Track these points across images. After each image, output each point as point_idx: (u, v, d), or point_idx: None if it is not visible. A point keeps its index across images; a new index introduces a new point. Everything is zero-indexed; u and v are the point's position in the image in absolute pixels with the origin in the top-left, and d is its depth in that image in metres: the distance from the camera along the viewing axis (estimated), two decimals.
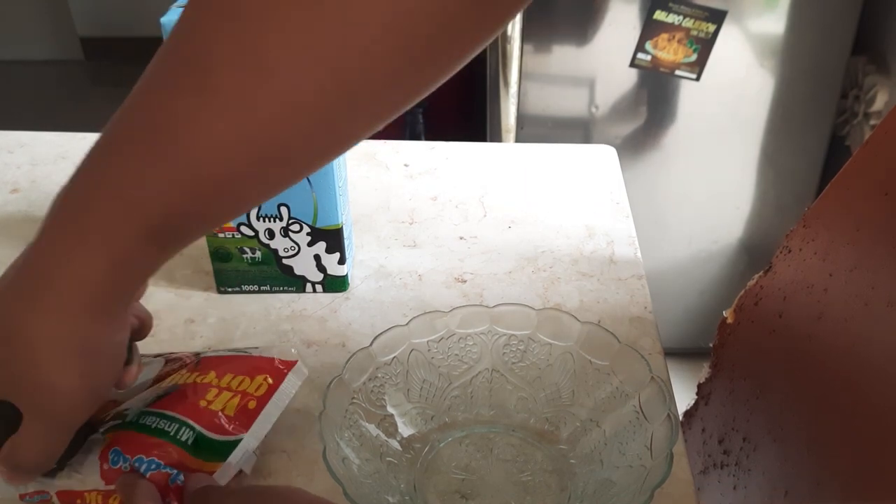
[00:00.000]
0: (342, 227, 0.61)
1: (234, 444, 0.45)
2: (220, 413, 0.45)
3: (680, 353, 1.40)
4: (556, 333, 0.51)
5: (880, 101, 1.47)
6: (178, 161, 0.36)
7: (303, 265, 0.62)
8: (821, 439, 0.46)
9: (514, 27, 1.43)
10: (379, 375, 0.49)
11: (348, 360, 0.48)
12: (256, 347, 0.50)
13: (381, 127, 0.39)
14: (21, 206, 0.75)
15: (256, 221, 0.59)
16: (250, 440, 0.45)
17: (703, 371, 0.63)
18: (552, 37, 1.51)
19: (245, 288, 0.63)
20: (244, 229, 0.60)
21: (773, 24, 1.49)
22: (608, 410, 0.48)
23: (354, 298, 0.63)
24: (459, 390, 0.52)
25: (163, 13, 0.52)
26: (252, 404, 0.46)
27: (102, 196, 0.37)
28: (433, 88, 0.39)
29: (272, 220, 0.59)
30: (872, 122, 1.49)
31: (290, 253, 0.61)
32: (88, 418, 0.42)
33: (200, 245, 0.66)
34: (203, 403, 0.46)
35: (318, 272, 0.62)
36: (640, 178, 1.62)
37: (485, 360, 0.52)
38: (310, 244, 0.61)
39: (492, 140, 1.65)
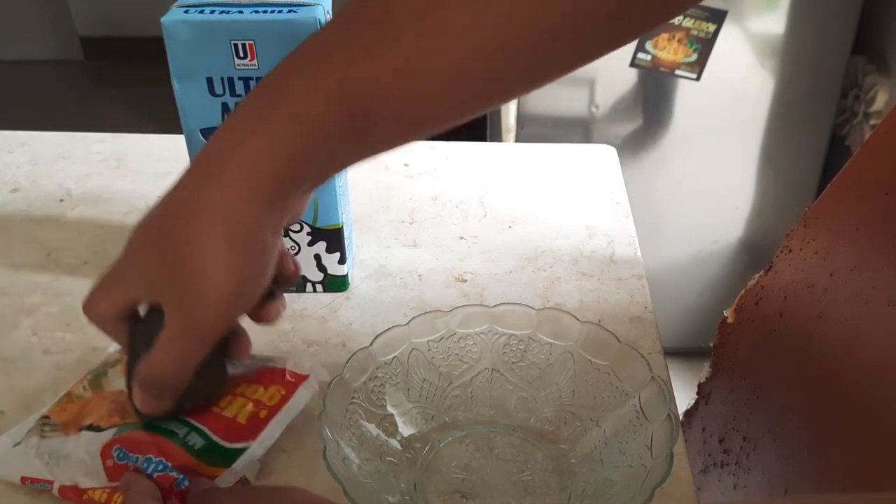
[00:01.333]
0: (342, 227, 0.61)
1: (241, 451, 0.45)
2: (232, 419, 0.46)
3: (680, 352, 1.40)
4: (556, 333, 0.51)
5: (880, 101, 1.47)
6: (399, 49, 0.37)
7: (303, 265, 0.62)
8: (821, 438, 0.46)
9: None
10: (379, 375, 0.49)
11: (348, 359, 0.48)
12: (273, 358, 0.50)
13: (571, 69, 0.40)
14: (21, 205, 0.75)
15: None
16: (257, 449, 0.45)
17: (704, 370, 0.63)
18: None
19: None
20: None
21: (773, 24, 1.49)
22: (608, 410, 0.48)
23: (355, 298, 0.63)
24: (460, 390, 0.52)
25: (163, 13, 0.53)
26: (263, 413, 0.46)
27: (304, 79, 0.38)
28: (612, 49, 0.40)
29: None
30: (872, 121, 1.49)
31: (291, 253, 0.61)
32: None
33: None
34: (217, 409, 0.46)
35: (318, 272, 0.62)
36: (640, 178, 1.62)
37: (485, 360, 0.52)
38: (310, 244, 0.61)
39: (492, 140, 1.65)
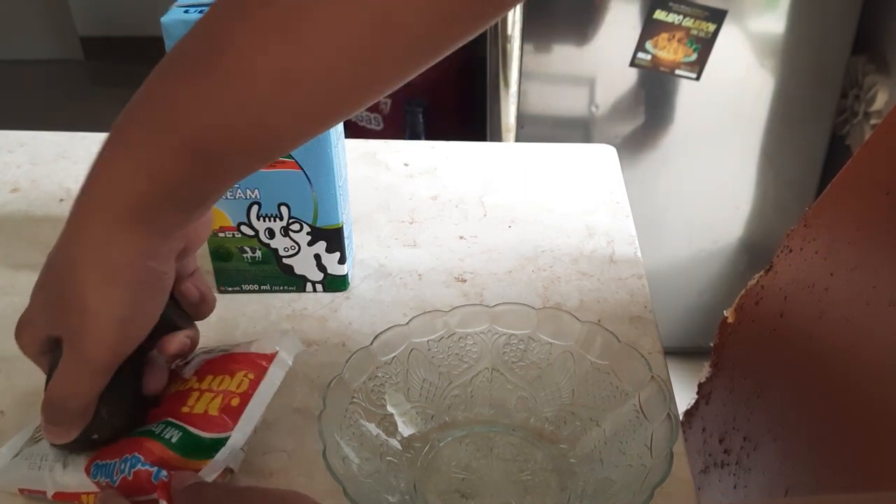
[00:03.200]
0: (342, 227, 0.60)
1: (222, 441, 0.44)
2: (204, 414, 0.45)
3: (680, 352, 1.40)
4: (556, 333, 0.51)
5: (880, 101, 1.47)
6: (221, 83, 0.38)
7: (303, 265, 0.62)
8: (821, 438, 0.46)
9: (515, 27, 1.43)
10: (379, 375, 0.49)
11: (348, 359, 0.48)
12: (238, 344, 0.49)
13: (400, 83, 0.40)
14: (21, 205, 0.75)
15: (257, 221, 0.59)
16: (237, 437, 0.45)
17: (704, 370, 0.63)
18: (552, 36, 1.51)
19: (245, 287, 0.63)
20: (244, 229, 0.60)
21: (773, 23, 1.49)
22: (608, 409, 0.48)
23: (354, 298, 0.63)
24: (459, 390, 0.52)
25: (163, 13, 0.52)
26: (235, 401, 0.45)
27: (145, 110, 0.39)
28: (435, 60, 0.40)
29: (272, 219, 0.59)
30: (872, 121, 1.49)
31: (291, 252, 0.61)
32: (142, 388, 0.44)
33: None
34: (186, 409, 0.45)
35: (318, 272, 0.62)
36: (640, 178, 1.62)
37: (485, 360, 0.52)
38: (310, 244, 0.61)
39: (492, 139, 1.65)
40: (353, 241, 0.66)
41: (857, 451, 0.42)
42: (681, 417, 0.54)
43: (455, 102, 2.26)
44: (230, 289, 0.63)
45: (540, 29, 1.48)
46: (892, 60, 1.48)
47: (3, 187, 0.77)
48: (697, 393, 0.64)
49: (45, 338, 0.43)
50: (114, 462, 0.43)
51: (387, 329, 0.50)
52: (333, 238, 0.61)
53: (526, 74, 1.51)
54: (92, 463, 0.44)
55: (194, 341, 0.47)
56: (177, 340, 0.45)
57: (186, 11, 0.52)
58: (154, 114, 0.39)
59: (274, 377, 0.47)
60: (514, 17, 1.43)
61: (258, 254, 0.61)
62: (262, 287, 0.63)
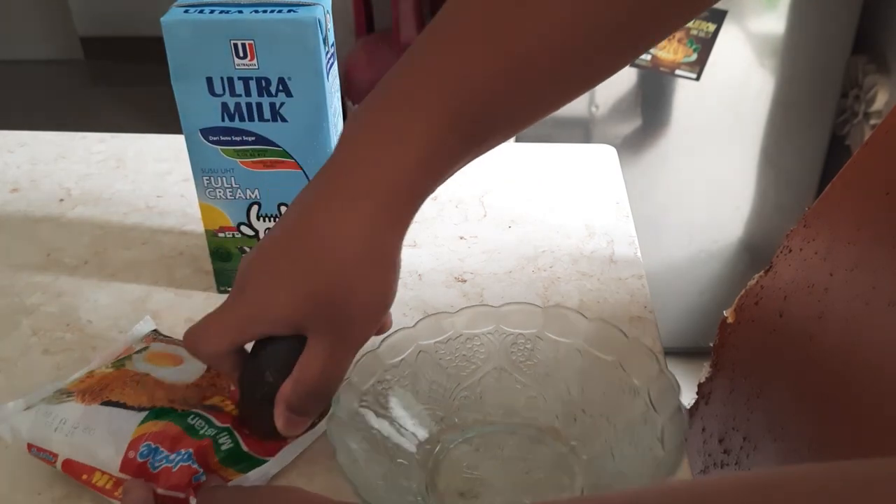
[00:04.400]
0: None
1: (260, 463, 0.46)
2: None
3: (680, 352, 1.40)
4: (562, 331, 0.51)
5: (880, 101, 1.47)
6: (499, 52, 0.39)
7: None
8: (821, 439, 0.46)
9: None
10: (387, 378, 0.49)
11: (356, 362, 0.48)
12: None
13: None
14: (21, 205, 0.75)
15: (257, 221, 0.59)
16: (272, 466, 0.46)
17: (704, 370, 0.63)
18: None
19: None
20: (244, 229, 0.60)
21: (773, 23, 1.49)
22: (618, 405, 0.48)
23: None
24: (468, 391, 0.51)
25: (163, 13, 0.52)
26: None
27: (425, 90, 0.40)
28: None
29: (272, 219, 0.59)
30: (872, 121, 1.49)
31: None
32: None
33: (201, 245, 0.66)
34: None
35: None
36: (641, 178, 1.62)
37: (492, 360, 0.52)
38: None
39: None
40: None
41: (857, 451, 0.42)
42: None
43: None
44: (230, 289, 0.63)
45: None
46: (892, 60, 1.48)
47: (3, 187, 0.77)
48: (697, 393, 0.64)
49: (249, 339, 0.43)
50: (163, 451, 0.43)
51: (394, 332, 0.50)
52: None
53: None
54: (144, 442, 0.43)
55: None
56: (389, 319, 0.47)
57: (186, 11, 0.52)
58: (434, 92, 0.39)
59: (319, 428, 0.48)
60: None
61: None
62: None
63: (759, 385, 0.54)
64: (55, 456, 0.45)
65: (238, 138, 0.56)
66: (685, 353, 1.40)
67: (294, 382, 0.42)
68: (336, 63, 0.57)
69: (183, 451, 0.43)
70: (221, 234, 0.60)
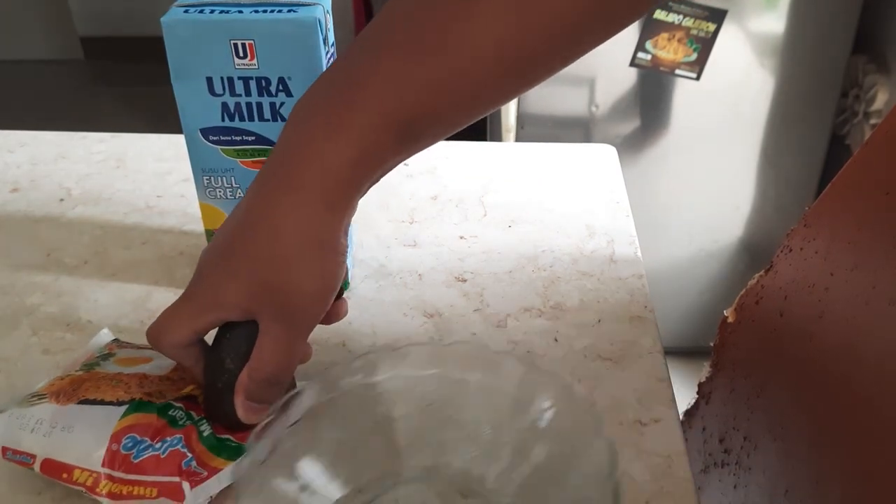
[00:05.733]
0: None
1: (241, 450, 0.45)
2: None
3: (680, 352, 1.40)
4: (467, 368, 0.46)
5: (880, 101, 1.47)
6: (440, 63, 0.41)
7: None
8: (821, 438, 0.46)
9: None
10: (288, 441, 0.44)
11: (257, 431, 0.42)
12: None
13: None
14: (21, 205, 0.75)
15: None
16: (260, 448, 0.45)
17: (704, 370, 0.63)
18: None
19: None
20: None
21: (773, 23, 1.49)
22: (539, 441, 0.44)
23: (354, 298, 0.63)
24: (376, 442, 0.47)
25: (163, 13, 0.52)
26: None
27: (364, 92, 0.42)
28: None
29: None
30: (872, 121, 1.49)
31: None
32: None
33: (201, 245, 0.66)
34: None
35: None
36: (641, 178, 1.62)
37: (400, 406, 0.47)
38: None
39: (492, 139, 1.65)
40: (353, 240, 0.66)
41: (858, 451, 0.42)
42: (681, 417, 0.53)
43: None
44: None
45: None
46: (892, 60, 1.48)
47: (3, 187, 0.77)
48: (697, 393, 0.64)
49: (206, 326, 0.45)
50: (146, 440, 0.43)
51: (291, 394, 0.44)
52: None
53: None
54: (127, 434, 0.43)
55: (346, 307, 0.51)
56: (343, 306, 0.49)
57: (186, 11, 0.52)
58: (373, 95, 0.41)
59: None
60: None
61: None
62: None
63: (759, 385, 0.54)
64: (33, 457, 0.44)
65: (238, 138, 0.56)
66: (685, 353, 1.40)
67: (249, 370, 0.44)
68: None
69: (169, 437, 0.43)
70: None
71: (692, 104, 1.56)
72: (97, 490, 0.43)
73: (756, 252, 1.71)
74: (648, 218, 1.57)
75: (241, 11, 0.52)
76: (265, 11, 0.52)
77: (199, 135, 0.56)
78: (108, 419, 0.44)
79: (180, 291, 0.64)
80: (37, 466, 0.44)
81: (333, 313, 0.48)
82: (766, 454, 0.52)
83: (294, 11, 0.52)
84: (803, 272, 0.49)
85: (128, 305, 0.62)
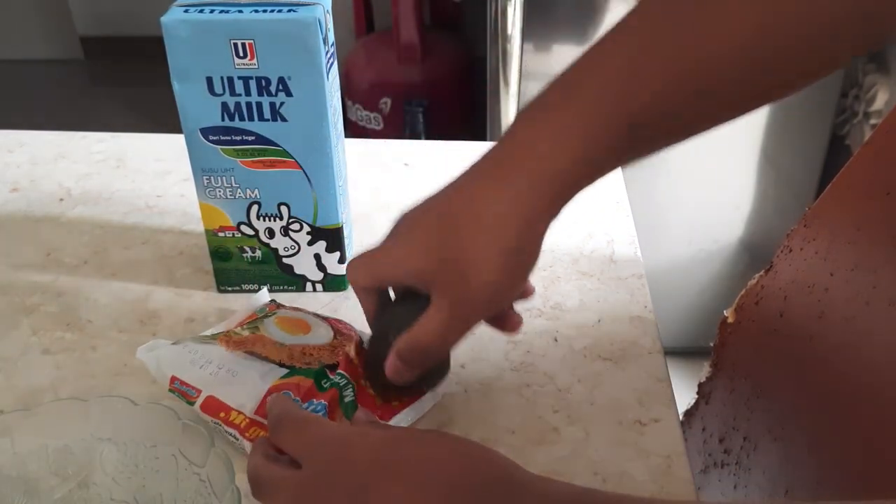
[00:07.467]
0: (342, 227, 0.60)
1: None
2: (372, 399, 0.49)
3: (680, 352, 1.40)
4: (117, 428, 0.42)
5: (880, 101, 1.47)
6: (679, 57, 0.39)
7: (303, 264, 0.62)
8: (821, 438, 0.46)
9: (515, 27, 1.43)
10: None
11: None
12: None
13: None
14: (21, 205, 0.75)
15: (257, 220, 0.59)
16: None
17: (704, 370, 0.63)
18: (552, 36, 1.51)
19: (245, 287, 0.63)
20: (244, 228, 0.60)
21: None
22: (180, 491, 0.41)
23: (354, 298, 0.63)
24: None
25: (163, 13, 0.52)
26: (395, 404, 0.50)
27: (594, 86, 0.41)
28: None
29: (272, 219, 0.59)
30: (872, 121, 1.49)
31: (290, 252, 0.61)
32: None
33: (200, 244, 0.66)
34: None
35: (318, 271, 0.62)
36: (641, 178, 1.61)
37: (61, 484, 0.42)
38: (310, 243, 0.61)
39: (492, 139, 1.64)
40: (353, 240, 0.66)
41: (858, 451, 0.42)
42: (681, 417, 0.53)
43: (455, 102, 2.26)
44: (230, 289, 0.63)
45: (540, 29, 1.48)
46: (892, 60, 1.48)
47: (3, 187, 0.77)
48: (697, 393, 0.64)
49: (390, 282, 0.47)
50: (297, 400, 0.46)
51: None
52: (333, 238, 0.61)
53: (526, 74, 1.51)
54: (283, 389, 0.46)
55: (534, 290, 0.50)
56: (518, 318, 0.48)
57: (186, 11, 0.52)
58: (602, 88, 0.40)
59: (427, 402, 0.51)
60: (514, 17, 1.43)
61: (258, 253, 0.61)
62: (261, 287, 0.63)
63: (759, 385, 0.54)
64: (198, 392, 0.47)
65: (238, 138, 0.56)
66: (685, 353, 1.40)
67: (409, 332, 0.45)
68: (336, 63, 0.57)
69: (316, 401, 0.46)
70: (221, 234, 0.60)
71: None
72: (247, 434, 0.46)
73: (756, 252, 1.71)
74: (648, 218, 1.57)
75: (241, 11, 0.52)
76: (265, 11, 0.52)
77: (199, 134, 0.56)
78: (269, 374, 0.48)
79: (180, 291, 0.65)
80: (198, 403, 0.47)
81: (507, 321, 0.48)
82: (766, 454, 0.52)
83: (294, 11, 0.52)
84: (803, 272, 0.49)
85: (128, 305, 0.62)
